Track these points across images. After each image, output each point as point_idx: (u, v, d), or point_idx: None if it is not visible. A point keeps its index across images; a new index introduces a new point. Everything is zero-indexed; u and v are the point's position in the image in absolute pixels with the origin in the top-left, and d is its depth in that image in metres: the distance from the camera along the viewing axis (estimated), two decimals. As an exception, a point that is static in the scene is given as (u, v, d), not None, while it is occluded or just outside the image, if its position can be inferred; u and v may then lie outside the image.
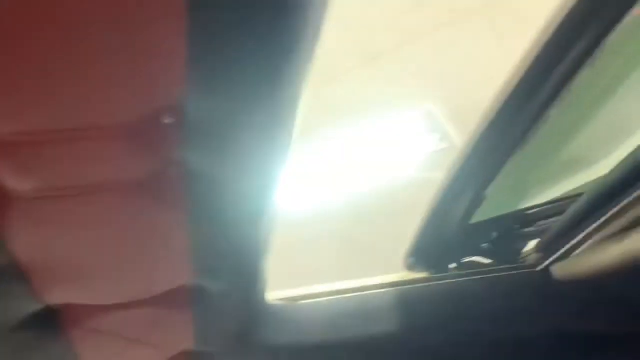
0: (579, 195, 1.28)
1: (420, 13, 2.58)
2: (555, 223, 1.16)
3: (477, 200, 1.10)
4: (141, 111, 0.45)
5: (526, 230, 1.28)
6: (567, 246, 1.13)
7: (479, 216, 1.18)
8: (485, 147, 0.96)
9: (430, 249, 1.20)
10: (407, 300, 1.14)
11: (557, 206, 1.27)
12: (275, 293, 1.12)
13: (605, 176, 1.04)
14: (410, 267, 1.22)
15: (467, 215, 1.14)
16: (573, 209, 1.10)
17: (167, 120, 0.47)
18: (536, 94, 0.85)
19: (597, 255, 1.06)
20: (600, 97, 1.11)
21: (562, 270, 1.15)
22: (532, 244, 1.29)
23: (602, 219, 1.03)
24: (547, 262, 1.19)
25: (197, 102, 0.46)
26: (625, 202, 0.98)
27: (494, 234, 1.26)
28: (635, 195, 0.95)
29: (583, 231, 1.08)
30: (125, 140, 0.47)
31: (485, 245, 1.26)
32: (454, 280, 1.20)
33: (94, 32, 0.38)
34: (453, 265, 1.27)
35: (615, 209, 1.00)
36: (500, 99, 0.88)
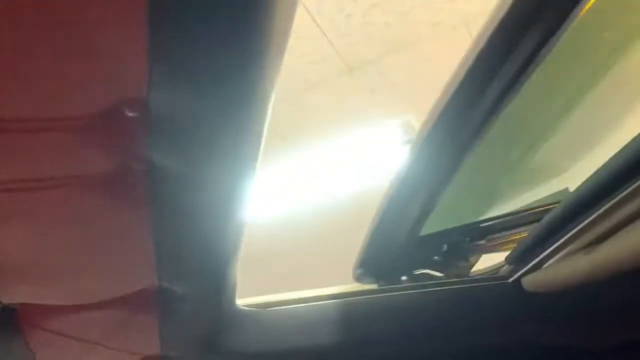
0: (532, 209, 1.29)
1: (403, 26, 2.60)
2: (528, 234, 1.16)
3: (425, 211, 1.07)
4: (102, 103, 0.44)
5: (477, 243, 1.27)
6: (539, 258, 1.13)
7: (430, 228, 1.16)
8: (426, 156, 0.93)
9: (379, 260, 1.17)
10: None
11: (507, 220, 1.27)
12: (244, 299, 1.10)
13: (577, 189, 1.04)
14: (359, 279, 1.19)
15: (416, 227, 1.11)
16: (545, 221, 1.11)
17: (130, 113, 0.46)
18: (479, 98, 0.82)
19: (567, 267, 1.06)
20: (551, 107, 1.12)
21: (533, 282, 1.16)
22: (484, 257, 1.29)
23: (574, 231, 1.03)
24: (519, 274, 1.19)
25: (160, 97, 0.45)
26: (596, 214, 0.99)
27: (444, 247, 1.24)
28: (605, 208, 0.96)
29: (554, 243, 1.08)
30: (86, 132, 0.46)
31: (436, 257, 1.25)
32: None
33: (51, 25, 0.37)
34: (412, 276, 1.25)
35: (586, 222, 1.01)
36: (441, 101, 0.84)
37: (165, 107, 0.46)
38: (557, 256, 1.10)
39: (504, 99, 0.82)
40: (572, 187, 1.25)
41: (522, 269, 1.19)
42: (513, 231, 1.29)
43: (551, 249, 1.10)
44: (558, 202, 1.25)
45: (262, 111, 0.50)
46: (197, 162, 0.54)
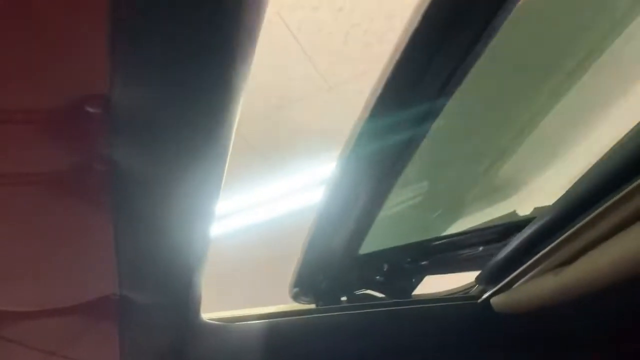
0: (477, 230, 1.26)
1: (383, 46, 2.63)
2: (498, 254, 1.17)
3: (360, 230, 1.02)
4: (61, 97, 0.42)
5: (420, 264, 1.24)
6: (508, 278, 1.14)
7: (370, 247, 1.12)
8: (352, 171, 0.87)
9: (315, 280, 1.13)
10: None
11: (451, 241, 1.24)
12: (209, 314, 1.08)
13: (546, 211, 1.05)
14: (295, 298, 1.16)
15: (353, 245, 1.07)
16: (515, 242, 1.11)
17: (91, 109, 0.44)
18: (401, 112, 0.76)
19: (536, 288, 1.07)
20: (497, 127, 1.11)
21: (502, 302, 1.16)
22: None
23: (543, 252, 1.04)
24: (488, 294, 1.19)
25: (123, 93, 0.43)
26: (565, 236, 0.99)
27: (385, 266, 1.20)
28: (573, 229, 0.97)
29: (524, 264, 1.09)
30: (44, 127, 0.44)
31: (378, 277, 1.21)
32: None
33: (9, 16, 0.35)
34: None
35: (555, 243, 1.01)
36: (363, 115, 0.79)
37: (128, 104, 0.45)
38: (527, 277, 1.10)
39: (429, 115, 0.79)
40: (521, 211, 1.26)
41: (491, 289, 1.19)
42: (457, 252, 1.26)
43: (520, 269, 1.10)
44: (505, 224, 1.24)
45: (230, 110, 0.49)
46: (162, 164, 0.53)
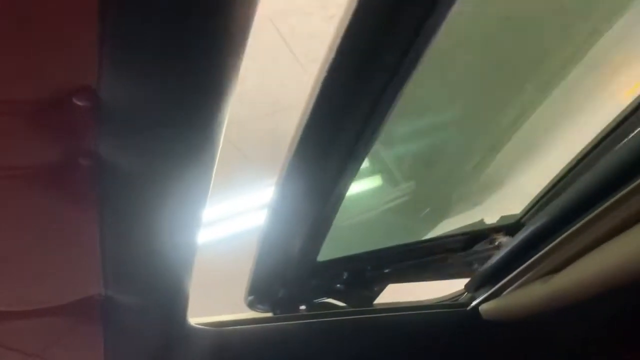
0: (440, 238, 1.24)
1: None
2: (487, 263, 1.17)
3: (316, 237, 0.98)
4: (50, 89, 0.42)
5: (381, 272, 1.21)
6: (497, 286, 1.14)
7: (329, 254, 1.09)
8: (296, 177, 0.81)
9: (271, 287, 1.09)
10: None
11: (412, 249, 1.22)
12: (196, 318, 1.06)
13: (534, 220, 1.06)
14: (251, 306, 1.12)
15: (312, 252, 1.03)
16: (504, 250, 1.11)
17: (79, 102, 0.43)
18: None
19: (525, 295, 1.07)
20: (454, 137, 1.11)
21: (491, 310, 1.16)
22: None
23: (531, 260, 1.04)
24: (477, 302, 1.19)
25: (112, 86, 0.43)
26: (553, 244, 1.00)
27: (345, 274, 1.17)
28: (560, 238, 0.98)
29: (513, 271, 1.09)
30: (32, 119, 0.43)
31: (338, 286, 1.18)
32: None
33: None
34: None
35: (544, 251, 1.02)
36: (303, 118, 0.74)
37: (116, 99, 0.44)
38: (516, 284, 1.10)
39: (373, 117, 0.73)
40: (488, 219, 1.26)
41: (480, 296, 1.19)
42: (420, 260, 1.23)
43: (509, 277, 1.10)
44: (469, 232, 1.23)
45: (220, 105, 0.49)
46: (149, 161, 0.52)
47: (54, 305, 0.68)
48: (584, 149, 1.08)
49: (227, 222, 3.24)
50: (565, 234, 0.96)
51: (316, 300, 1.16)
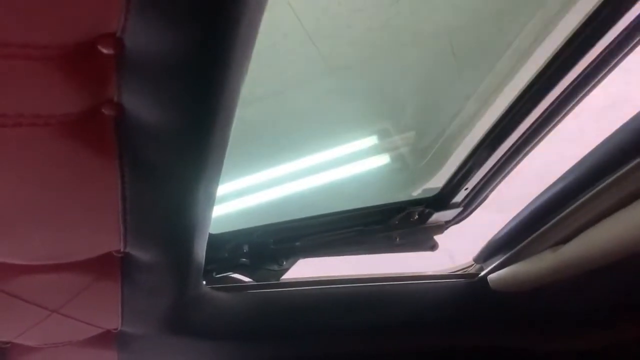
0: (351, 210, 1.19)
1: (385, 32, 2.62)
2: (497, 233, 1.17)
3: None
4: (75, 34, 0.42)
5: (288, 245, 1.17)
6: (506, 256, 1.15)
7: (226, 227, 1.05)
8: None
9: None
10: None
11: (318, 221, 1.18)
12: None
13: (546, 190, 1.06)
14: None
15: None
16: (514, 220, 1.12)
17: (104, 50, 0.44)
18: None
19: (534, 265, 1.08)
20: None
21: (500, 280, 1.17)
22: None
23: (541, 230, 1.05)
24: (485, 272, 1.20)
25: (137, 35, 0.43)
26: (562, 214, 1.00)
27: (245, 247, 1.13)
28: (570, 208, 0.98)
29: (522, 242, 1.10)
30: (56, 65, 0.44)
31: (243, 260, 1.14)
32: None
33: None
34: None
35: (553, 221, 1.02)
36: None
37: (141, 46, 0.45)
38: (524, 255, 1.11)
39: None
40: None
41: (489, 267, 1.20)
42: (331, 233, 1.19)
43: (518, 247, 1.11)
44: (385, 205, 1.19)
45: (242, 60, 0.49)
46: (170, 114, 0.53)
47: (75, 261, 0.69)
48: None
49: (233, 200, 3.25)
50: (575, 204, 0.97)
51: (218, 275, 1.12)
